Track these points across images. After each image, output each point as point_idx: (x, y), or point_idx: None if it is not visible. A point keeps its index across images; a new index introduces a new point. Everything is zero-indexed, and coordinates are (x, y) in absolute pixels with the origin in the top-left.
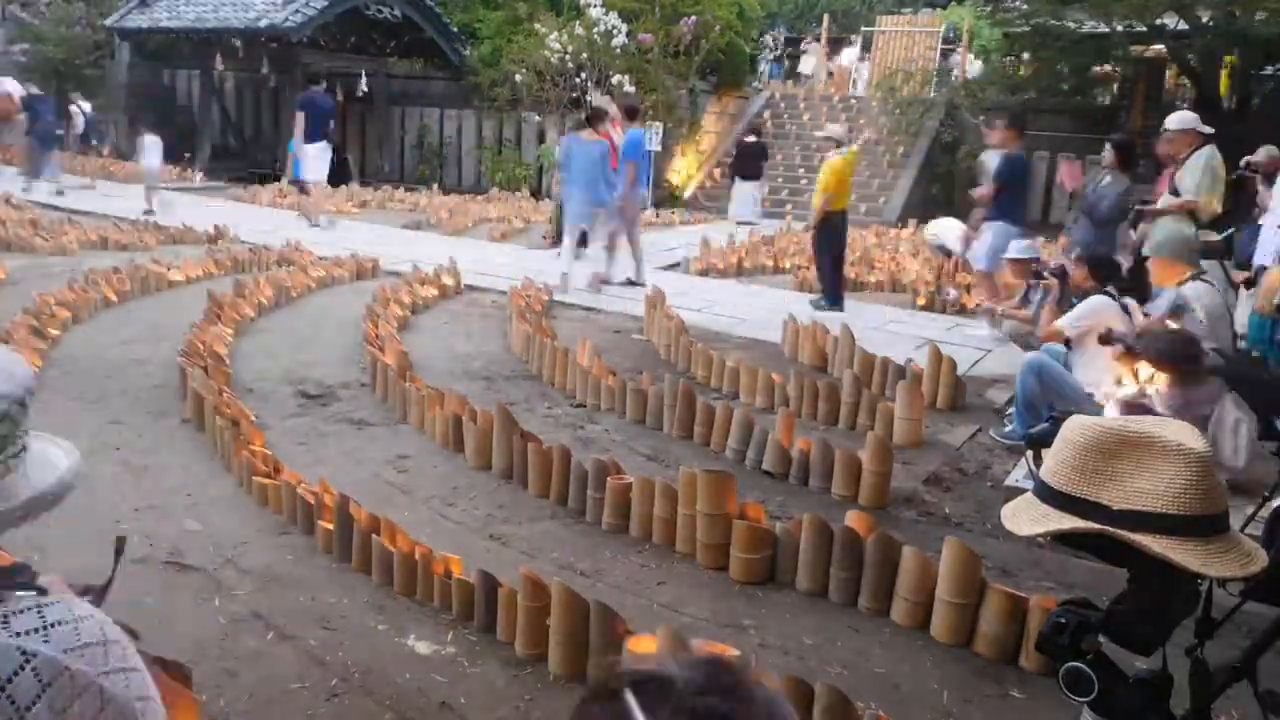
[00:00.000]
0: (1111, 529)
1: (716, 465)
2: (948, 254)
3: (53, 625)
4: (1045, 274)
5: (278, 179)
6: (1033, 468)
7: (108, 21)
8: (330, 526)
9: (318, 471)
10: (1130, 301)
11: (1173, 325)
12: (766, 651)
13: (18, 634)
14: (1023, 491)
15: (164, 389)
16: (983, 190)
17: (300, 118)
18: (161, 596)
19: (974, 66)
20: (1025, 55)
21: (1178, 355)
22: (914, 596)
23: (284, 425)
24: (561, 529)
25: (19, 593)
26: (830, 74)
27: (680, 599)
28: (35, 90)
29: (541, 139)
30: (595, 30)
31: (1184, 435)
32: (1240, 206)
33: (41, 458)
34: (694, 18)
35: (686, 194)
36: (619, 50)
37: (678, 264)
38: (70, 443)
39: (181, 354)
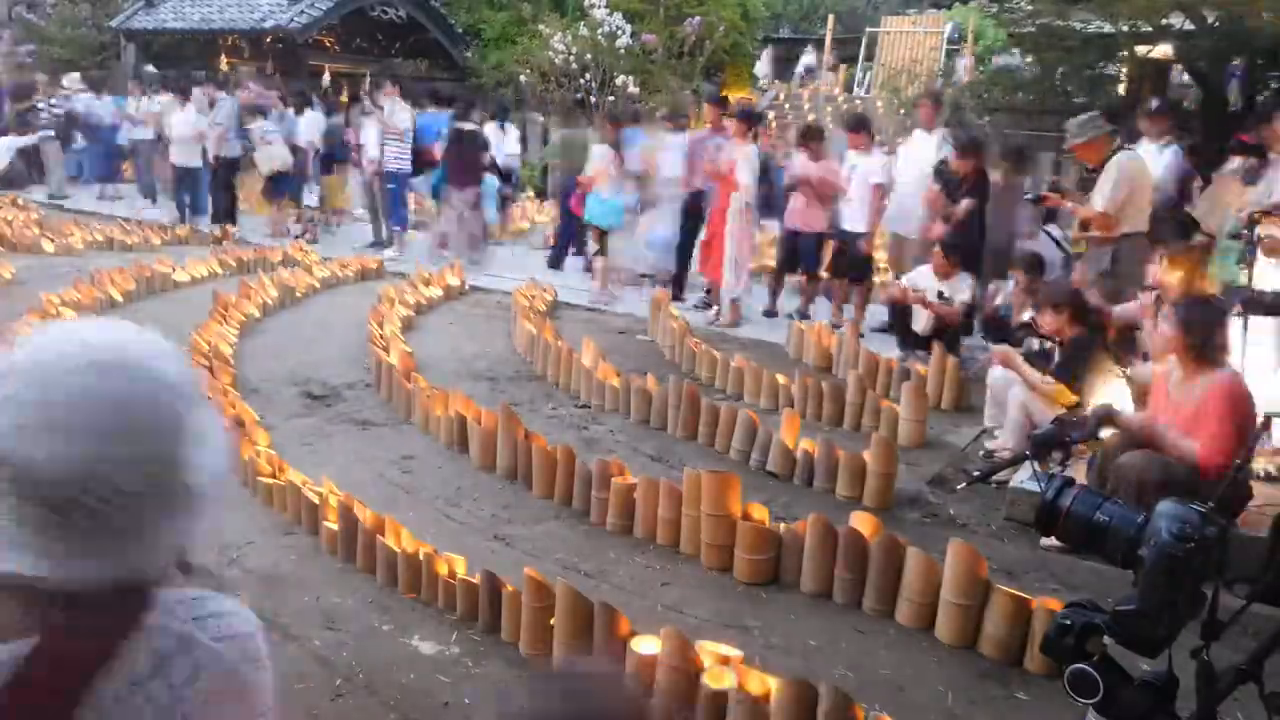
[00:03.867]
0: None
1: (721, 466)
2: None
3: (207, 616)
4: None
5: None
6: (1037, 469)
7: (113, 22)
8: (335, 527)
9: (322, 472)
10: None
11: None
12: (770, 652)
13: (181, 620)
14: (1028, 494)
15: None
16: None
17: None
18: None
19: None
20: (1030, 56)
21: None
22: (918, 598)
23: (289, 425)
24: (566, 530)
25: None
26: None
27: (684, 600)
28: None
29: (545, 140)
30: (599, 31)
31: None
32: None
33: None
34: (698, 19)
35: None
36: (623, 51)
37: None
38: None
39: (187, 355)
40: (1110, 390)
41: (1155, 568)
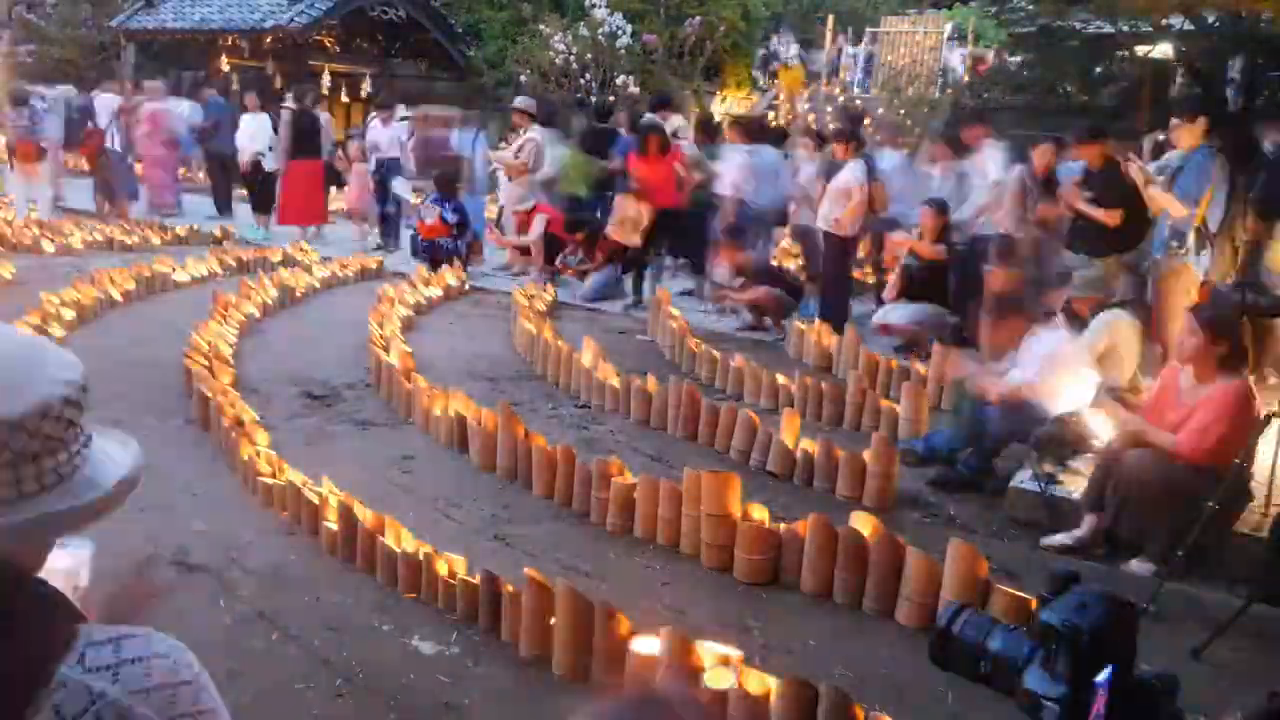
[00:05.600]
0: None
1: (721, 466)
2: None
3: (126, 663)
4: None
5: None
6: (1037, 470)
7: (113, 22)
8: (335, 527)
9: (322, 472)
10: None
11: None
12: (770, 653)
13: (89, 669)
14: (1028, 494)
15: (169, 389)
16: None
17: None
18: (167, 596)
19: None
20: (1030, 56)
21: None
22: (918, 598)
23: (289, 426)
24: (566, 530)
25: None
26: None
27: (684, 600)
28: None
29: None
30: (600, 31)
31: None
32: None
33: (102, 454)
34: (698, 19)
35: None
36: (623, 51)
37: None
38: (127, 436)
39: (186, 355)
40: (1077, 388)
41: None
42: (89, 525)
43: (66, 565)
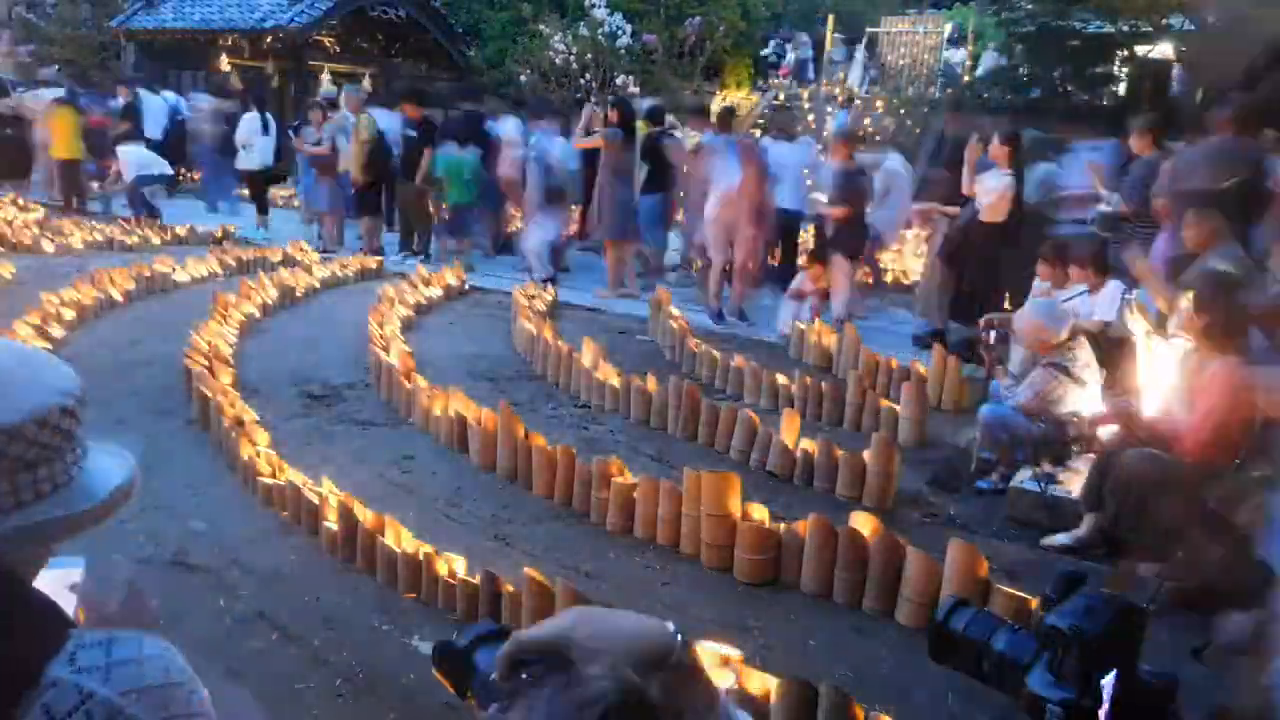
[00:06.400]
0: None
1: (721, 466)
2: None
3: (117, 664)
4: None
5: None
6: (1037, 470)
7: (113, 22)
8: (335, 527)
9: (322, 472)
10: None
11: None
12: (770, 652)
13: (80, 670)
14: (1030, 494)
15: (170, 390)
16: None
17: None
18: (167, 596)
19: (987, 58)
20: (1030, 55)
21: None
22: (919, 598)
23: (289, 426)
24: (566, 530)
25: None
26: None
27: (685, 600)
28: None
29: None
30: (599, 31)
31: None
32: None
33: (97, 464)
34: (698, 19)
35: None
36: (623, 51)
37: (678, 263)
38: (121, 449)
39: (186, 355)
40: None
41: None
42: (84, 533)
43: (58, 582)
